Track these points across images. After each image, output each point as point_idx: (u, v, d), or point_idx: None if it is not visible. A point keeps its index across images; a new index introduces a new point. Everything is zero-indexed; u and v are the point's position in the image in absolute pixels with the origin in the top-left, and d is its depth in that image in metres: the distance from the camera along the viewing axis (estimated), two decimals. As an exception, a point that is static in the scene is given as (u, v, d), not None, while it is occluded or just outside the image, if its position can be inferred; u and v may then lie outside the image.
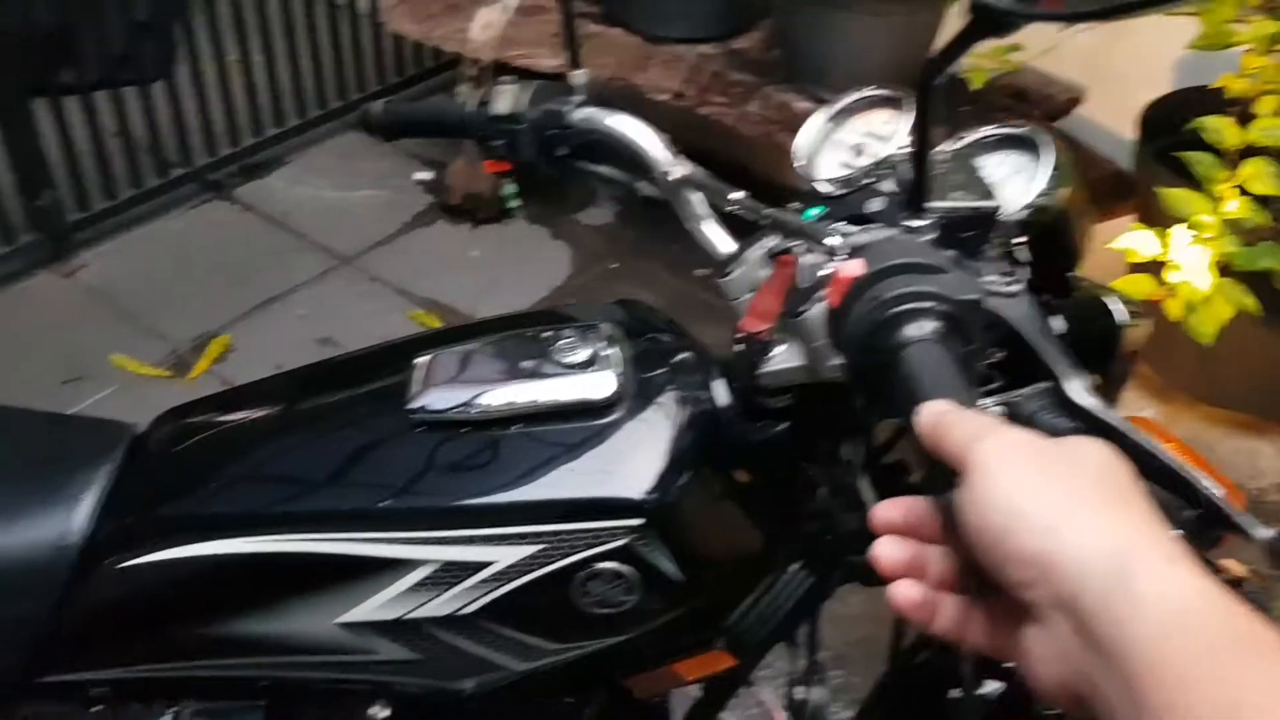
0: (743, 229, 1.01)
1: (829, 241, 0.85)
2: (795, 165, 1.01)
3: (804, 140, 1.02)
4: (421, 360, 0.99)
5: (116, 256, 2.91)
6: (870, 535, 1.03)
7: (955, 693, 1.10)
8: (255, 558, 0.95)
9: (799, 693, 1.13)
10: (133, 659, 1.02)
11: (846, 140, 1.01)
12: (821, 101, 1.05)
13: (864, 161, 0.98)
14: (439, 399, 0.96)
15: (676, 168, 1.00)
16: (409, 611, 0.94)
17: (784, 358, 0.92)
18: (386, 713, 1.12)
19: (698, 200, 1.02)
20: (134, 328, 2.63)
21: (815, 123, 1.02)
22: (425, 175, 3.29)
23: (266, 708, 1.06)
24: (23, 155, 2.76)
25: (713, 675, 1.08)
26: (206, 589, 0.98)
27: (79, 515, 1.00)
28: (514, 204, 3.13)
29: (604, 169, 1.07)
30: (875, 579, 1.00)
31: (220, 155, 3.18)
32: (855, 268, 0.78)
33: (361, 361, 1.12)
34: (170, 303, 2.73)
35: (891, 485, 1.00)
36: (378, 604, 0.94)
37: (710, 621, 1.01)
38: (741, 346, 0.93)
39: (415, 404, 0.96)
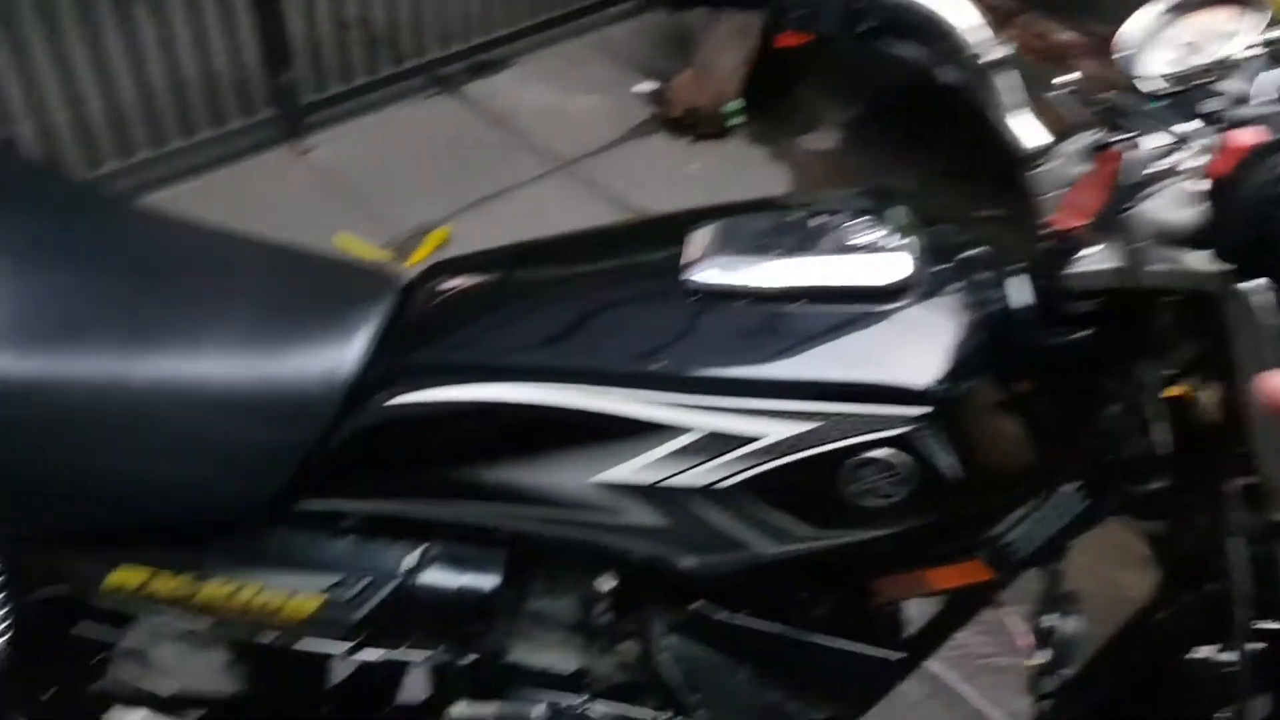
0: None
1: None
2: (1117, 57, 0.94)
3: (1132, 33, 0.94)
4: (702, 229, 0.97)
5: (346, 140, 3.00)
6: (1153, 465, 0.96)
7: (1201, 651, 1.02)
8: (523, 406, 0.95)
9: (1048, 620, 1.07)
10: (386, 494, 1.04)
11: (1179, 37, 0.93)
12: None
13: (1199, 60, 0.89)
14: (720, 268, 0.93)
15: (993, 49, 0.93)
16: (667, 478, 0.93)
17: (1098, 258, 0.85)
18: (612, 584, 1.13)
19: (1008, 87, 0.95)
20: (359, 211, 2.71)
21: (1147, 16, 0.94)
22: (647, 87, 3.27)
23: (506, 560, 1.07)
24: (269, 34, 2.85)
25: (962, 588, 1.02)
26: (470, 432, 0.99)
27: (351, 352, 1.02)
28: (736, 121, 3.08)
29: (906, 48, 1.01)
30: (1149, 513, 0.93)
31: (452, 51, 3.24)
32: (1252, 135, 0.71)
33: (637, 229, 1.10)
34: (395, 190, 2.80)
35: (1182, 416, 0.93)
36: (638, 466, 0.93)
37: (973, 530, 0.96)
38: (1049, 244, 0.87)
39: (694, 272, 0.93)
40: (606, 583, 1.13)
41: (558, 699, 1.14)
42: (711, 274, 0.93)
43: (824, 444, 0.88)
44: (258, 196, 2.75)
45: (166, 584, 1.09)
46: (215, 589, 1.08)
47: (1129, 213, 0.81)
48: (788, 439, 0.89)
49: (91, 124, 2.66)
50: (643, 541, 0.99)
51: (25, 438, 1.00)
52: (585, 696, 1.15)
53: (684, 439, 0.91)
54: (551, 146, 3.02)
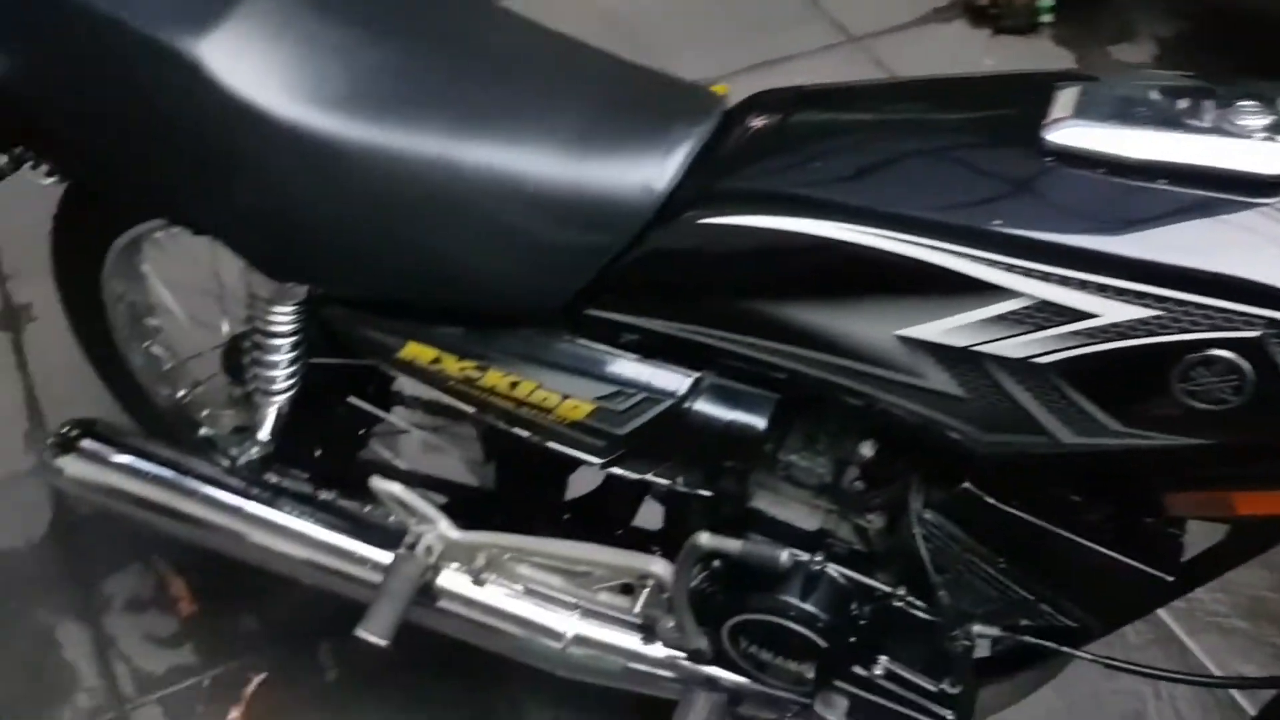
0: None
1: None
2: None
3: None
4: (1069, 89, 0.90)
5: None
6: None
7: None
8: (837, 245, 0.92)
9: None
10: (675, 316, 1.04)
11: None
12: None
13: None
14: (1082, 132, 0.86)
15: None
16: (981, 343, 0.88)
17: None
18: (871, 452, 1.10)
19: None
20: (639, 55, 2.68)
21: None
22: (956, -30, 3.08)
23: (775, 405, 1.06)
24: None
25: (1262, 519, 0.95)
26: (775, 265, 0.97)
27: (669, 167, 1.02)
28: (1046, 18, 2.87)
29: None
30: None
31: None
32: None
33: (989, 82, 1.04)
34: (678, 40, 2.76)
35: None
36: (950, 326, 0.89)
37: None
38: None
39: (1053, 133, 0.87)
40: (865, 449, 1.11)
41: (797, 554, 1.14)
42: (1073, 135, 0.86)
43: (1164, 334, 0.82)
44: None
45: (453, 365, 1.14)
46: (496, 378, 1.13)
47: None
48: (1125, 322, 0.83)
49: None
50: (933, 408, 0.95)
51: (350, 202, 1.05)
52: (821, 556, 1.15)
53: (1010, 303, 0.86)
54: (843, 18, 2.90)
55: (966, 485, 1.03)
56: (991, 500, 1.02)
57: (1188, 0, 2.98)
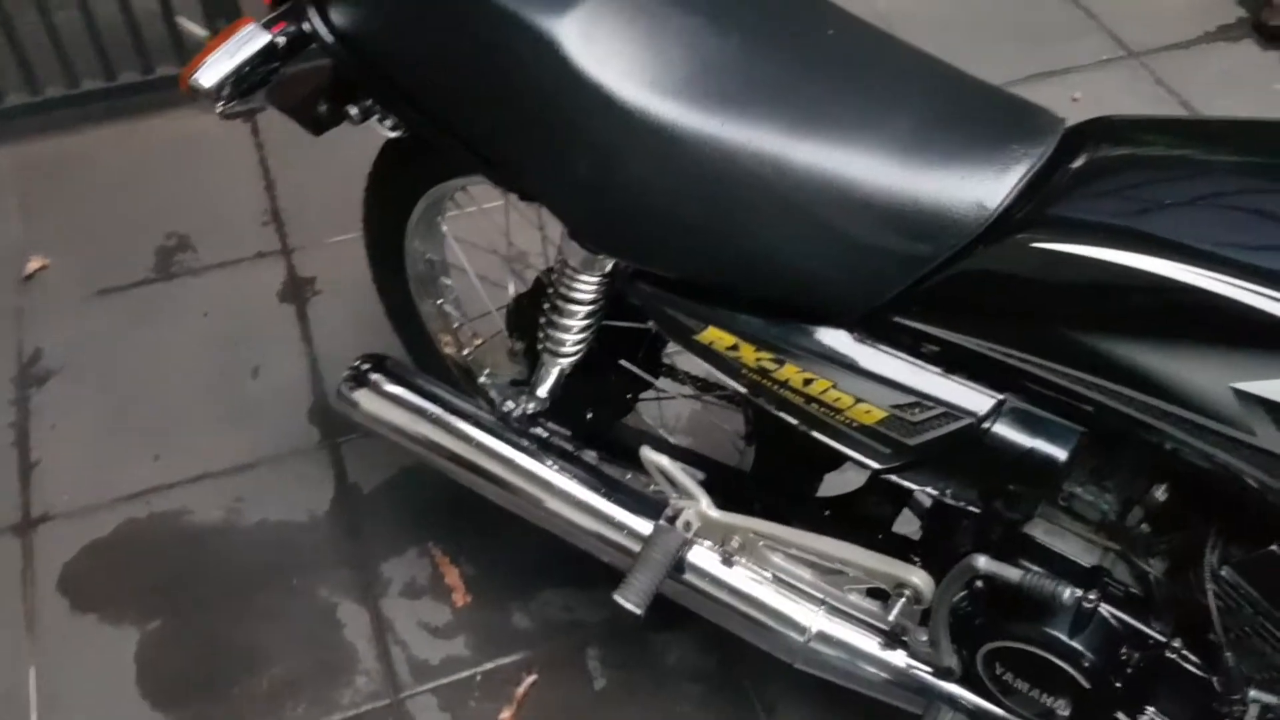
0: None
1: None
2: None
3: None
4: None
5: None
6: None
7: None
8: (1180, 287, 0.90)
9: None
10: (988, 334, 1.04)
11: None
12: None
13: None
14: None
15: None
16: None
17: None
18: (1163, 498, 1.08)
19: None
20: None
21: None
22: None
23: (1079, 438, 1.05)
24: None
25: None
26: (1110, 299, 0.96)
27: (1003, 185, 1.02)
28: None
29: None
30: None
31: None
32: None
33: None
34: (956, 46, 2.55)
35: None
36: None
37: None
38: None
39: None
40: (1159, 493, 1.09)
41: (1070, 588, 1.13)
42: None
43: None
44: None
45: (750, 354, 1.17)
46: (792, 372, 1.15)
47: None
48: None
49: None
50: (1257, 467, 0.93)
51: (680, 186, 1.09)
52: (1096, 595, 1.13)
53: None
54: (1122, 32, 2.78)
55: (1275, 548, 0.99)
56: None
57: None
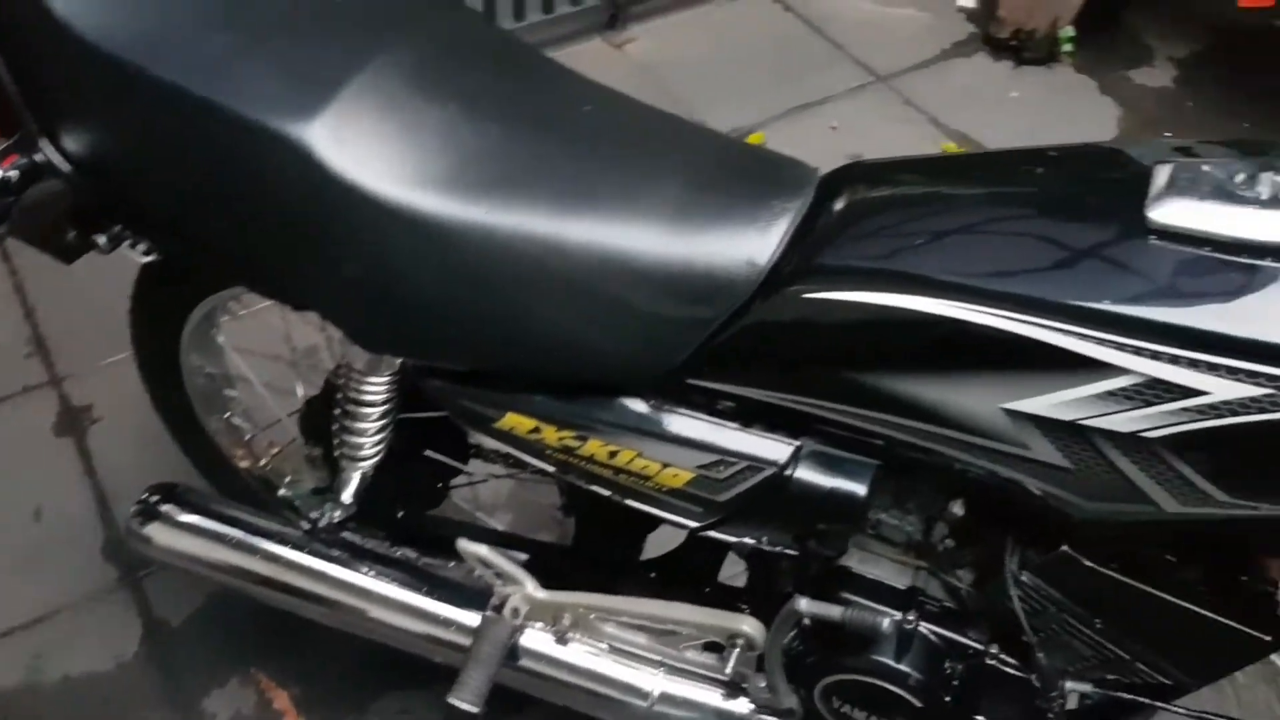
0: None
1: None
2: None
3: None
4: (1166, 165, 0.93)
5: (663, 36, 3.01)
6: None
7: None
8: (943, 322, 0.94)
9: None
10: (778, 385, 1.07)
11: None
12: None
13: None
14: (1185, 210, 0.89)
15: None
16: (1088, 417, 0.91)
17: None
18: (961, 512, 1.12)
19: None
20: (673, 107, 2.67)
21: None
22: (969, 2, 3.13)
23: (876, 470, 1.08)
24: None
25: None
26: (879, 339, 1.00)
27: (770, 241, 1.05)
28: (1067, 48, 2.91)
29: None
30: None
31: (773, -49, 3.18)
32: None
33: (1076, 155, 1.06)
34: (709, 89, 2.80)
35: None
36: (1058, 400, 0.91)
37: None
38: None
39: (1157, 211, 0.89)
40: (956, 508, 1.13)
41: (889, 614, 1.16)
42: (1177, 213, 0.89)
43: (1275, 411, 0.84)
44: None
45: (552, 435, 1.16)
46: (596, 447, 1.15)
47: None
48: (1236, 399, 0.85)
49: None
50: (1036, 477, 0.98)
51: (454, 278, 1.08)
52: (914, 615, 1.17)
53: (1119, 380, 0.88)
54: (868, 58, 2.94)
55: (1065, 549, 1.05)
56: (1090, 564, 1.04)
57: (1196, 21, 3.04)
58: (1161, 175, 0.93)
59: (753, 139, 2.65)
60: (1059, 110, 2.80)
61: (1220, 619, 1.03)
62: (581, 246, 1.06)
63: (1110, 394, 0.89)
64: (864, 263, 1.02)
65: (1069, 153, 1.07)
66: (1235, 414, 0.85)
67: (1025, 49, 2.91)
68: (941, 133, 2.73)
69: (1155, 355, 0.87)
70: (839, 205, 1.07)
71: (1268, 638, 1.03)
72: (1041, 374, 0.92)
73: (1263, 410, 0.84)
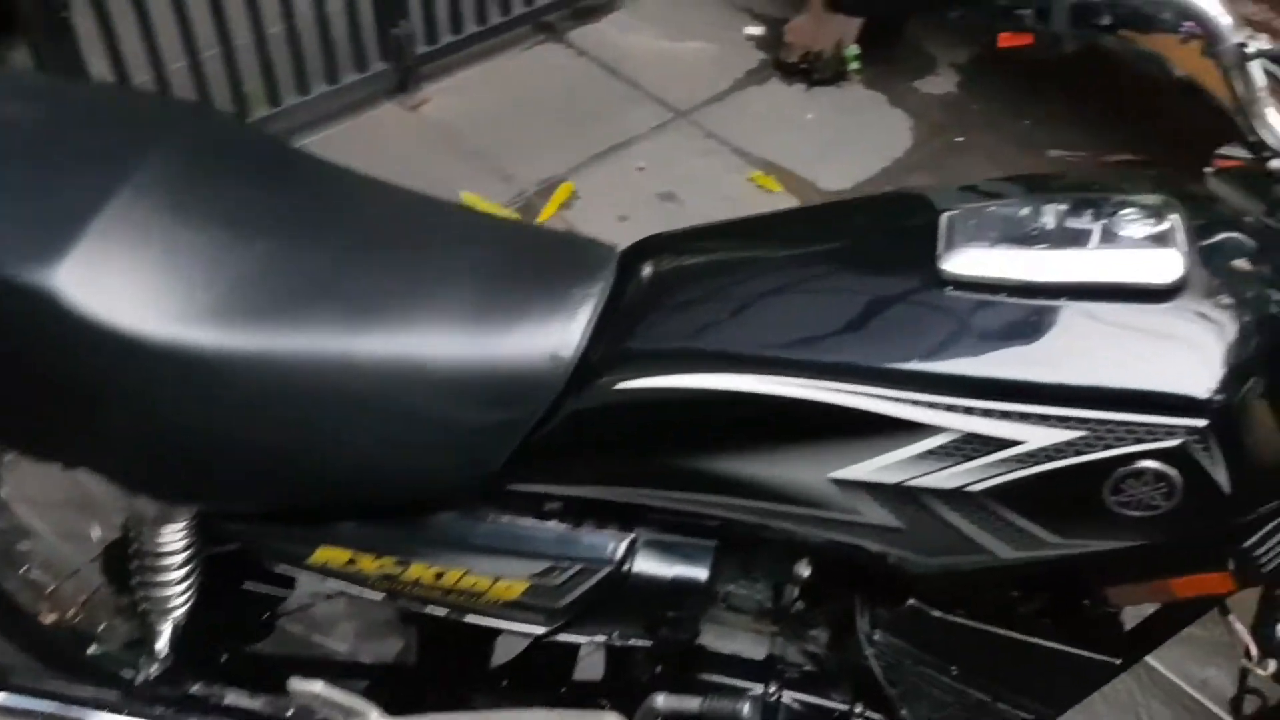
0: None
1: None
2: None
3: None
4: (952, 214, 0.92)
5: (458, 93, 2.95)
6: None
7: None
8: (759, 399, 0.92)
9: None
10: (601, 480, 1.02)
11: None
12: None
13: None
14: (977, 259, 0.88)
15: (1256, 40, 0.86)
16: (913, 478, 0.89)
17: None
18: (807, 573, 1.10)
19: (1263, 82, 0.88)
20: (480, 166, 2.67)
21: None
22: (756, 30, 3.18)
23: (715, 551, 1.05)
24: (383, -15, 2.80)
25: (1201, 598, 0.98)
26: (698, 422, 0.96)
27: (574, 331, 1.00)
28: (854, 65, 2.98)
29: (1141, 48, 0.94)
30: None
31: (558, -2, 3.16)
32: None
33: (865, 209, 1.05)
34: (513, 143, 2.75)
35: None
36: (881, 465, 0.90)
37: (1228, 540, 0.92)
38: None
39: (949, 262, 0.89)
40: (802, 570, 1.11)
41: (750, 688, 1.13)
42: (969, 263, 0.88)
43: (1090, 453, 0.84)
44: (374, 154, 2.69)
45: (370, 564, 1.08)
46: (420, 570, 1.08)
47: None
48: (1050, 446, 0.85)
49: (208, 80, 2.63)
50: (872, 540, 0.96)
51: (238, 416, 0.99)
52: (775, 685, 1.14)
53: (937, 439, 0.87)
54: (665, 95, 2.95)
55: (912, 602, 1.03)
56: (938, 613, 1.03)
57: (973, 27, 3.16)
58: (951, 224, 0.92)
59: (561, 190, 2.62)
60: (854, 127, 2.87)
61: (1070, 649, 1.03)
62: (374, 363, 0.99)
63: (930, 453, 0.88)
64: (671, 344, 0.98)
65: (865, 205, 1.06)
66: (1053, 459, 0.85)
67: (815, 71, 2.97)
68: (746, 162, 2.75)
69: (968, 410, 0.86)
70: (640, 284, 1.04)
71: (1116, 660, 1.05)
72: (862, 440, 0.90)
73: (1079, 453, 0.84)
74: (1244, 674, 1.05)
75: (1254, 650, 1.01)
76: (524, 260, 1.09)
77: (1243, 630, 1.02)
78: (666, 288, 1.03)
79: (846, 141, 2.80)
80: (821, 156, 2.75)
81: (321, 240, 1.06)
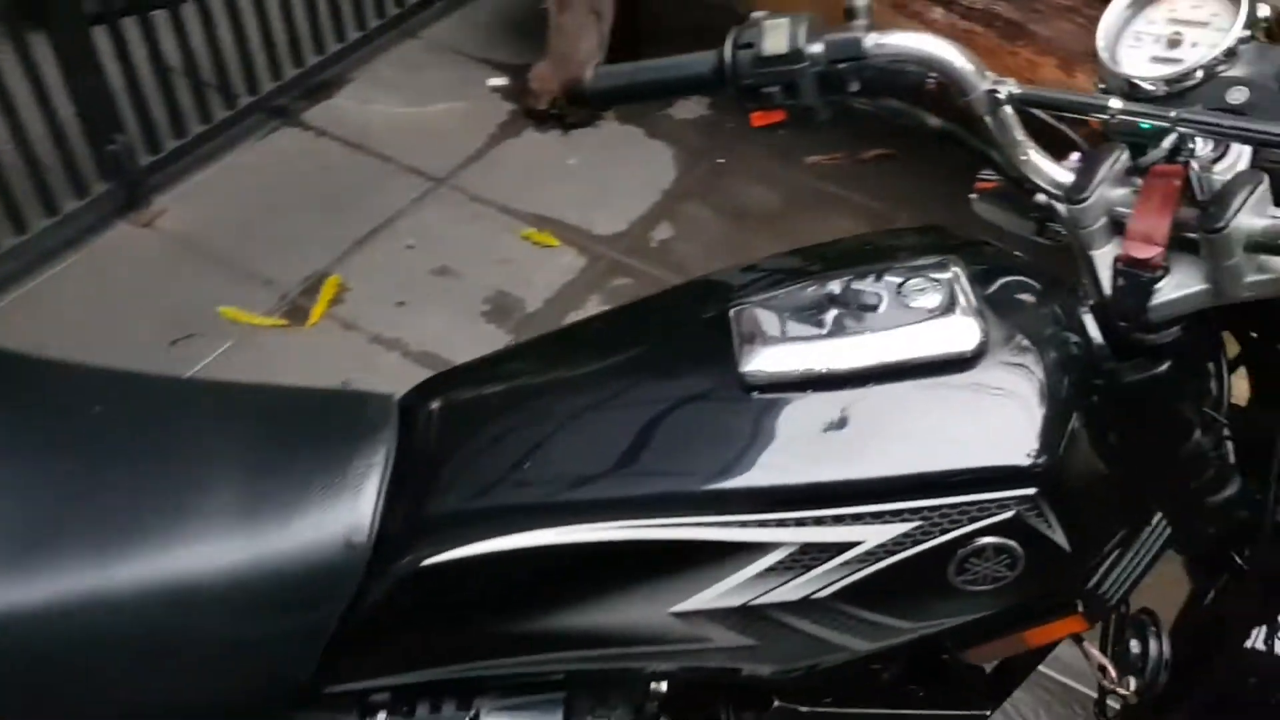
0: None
1: None
2: (1100, 59, 0.87)
3: (1107, 31, 0.88)
4: (740, 311, 0.87)
5: (196, 199, 2.74)
6: (1226, 474, 0.92)
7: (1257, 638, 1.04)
8: (581, 549, 0.84)
9: (1135, 646, 1.01)
10: (427, 661, 0.92)
11: (1152, 31, 0.87)
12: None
13: (1185, 53, 0.85)
14: (776, 357, 0.83)
15: (1003, 84, 0.84)
16: (756, 597, 0.84)
17: (1181, 284, 0.80)
18: (664, 689, 1.04)
19: (1017, 123, 0.87)
20: (234, 274, 2.49)
21: (1114, 12, 0.88)
22: (500, 81, 3.11)
23: (564, 701, 0.97)
24: (88, 96, 2.56)
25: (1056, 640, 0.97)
26: (522, 583, 0.88)
27: (364, 508, 0.89)
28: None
29: (894, 103, 0.91)
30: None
31: (286, 79, 2.99)
32: None
33: (654, 314, 0.99)
34: (266, 243, 2.58)
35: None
36: (722, 591, 0.84)
37: (1074, 586, 0.90)
38: (1122, 280, 0.81)
39: (749, 365, 0.83)
40: (660, 690, 1.04)
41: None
42: (769, 362, 0.83)
43: (928, 540, 0.81)
44: (115, 281, 2.48)
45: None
46: None
47: (1226, 231, 0.75)
48: (889, 541, 0.81)
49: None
50: (727, 661, 0.91)
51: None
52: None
53: (773, 556, 0.82)
54: (419, 163, 2.83)
55: (778, 703, 0.98)
56: (805, 708, 0.99)
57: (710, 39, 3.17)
58: (743, 321, 0.87)
59: (328, 285, 2.47)
60: (617, 165, 2.84)
61: (940, 712, 1.01)
62: (141, 591, 0.85)
63: (769, 570, 0.83)
64: (474, 505, 0.89)
65: (655, 308, 1.00)
66: (893, 553, 0.82)
67: (566, 114, 2.92)
68: (516, 220, 2.67)
69: (799, 522, 0.81)
70: (428, 438, 0.94)
71: (986, 711, 1.03)
72: (697, 571, 0.84)
73: (917, 543, 0.81)
74: (1103, 693, 1.04)
75: (1112, 672, 1.01)
76: (292, 434, 0.97)
77: (1098, 654, 1.01)
78: (457, 438, 0.94)
79: (613, 181, 2.76)
80: (591, 201, 2.70)
81: (58, 456, 0.92)
